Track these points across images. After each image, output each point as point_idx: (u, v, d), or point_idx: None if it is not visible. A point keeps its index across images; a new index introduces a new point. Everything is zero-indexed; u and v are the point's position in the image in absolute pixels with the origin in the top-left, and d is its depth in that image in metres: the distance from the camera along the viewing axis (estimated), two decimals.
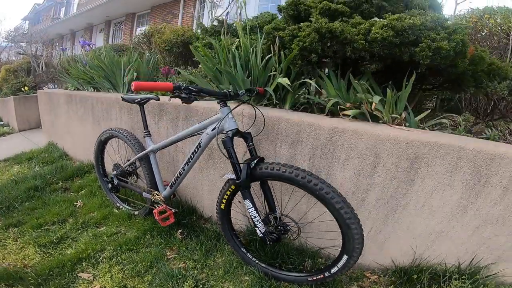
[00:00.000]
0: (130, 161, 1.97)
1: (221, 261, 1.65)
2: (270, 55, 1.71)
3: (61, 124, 3.82)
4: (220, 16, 2.96)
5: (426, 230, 1.37)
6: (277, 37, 1.61)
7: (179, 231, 1.88)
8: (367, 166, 1.34)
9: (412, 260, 1.44)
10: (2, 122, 6.48)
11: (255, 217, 1.36)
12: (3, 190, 2.62)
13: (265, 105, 1.78)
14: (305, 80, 1.62)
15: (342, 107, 1.50)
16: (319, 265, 1.55)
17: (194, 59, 2.49)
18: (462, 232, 1.31)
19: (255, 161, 1.33)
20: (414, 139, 1.24)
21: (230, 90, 1.38)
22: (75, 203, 2.38)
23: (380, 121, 1.43)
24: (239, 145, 1.62)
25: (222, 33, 1.98)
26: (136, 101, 1.80)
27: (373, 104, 1.35)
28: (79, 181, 2.89)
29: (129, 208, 2.18)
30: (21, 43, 8.22)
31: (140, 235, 1.88)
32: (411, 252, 1.43)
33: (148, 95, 1.81)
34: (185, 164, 1.59)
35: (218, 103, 1.38)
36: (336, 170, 1.42)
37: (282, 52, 1.63)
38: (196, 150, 1.51)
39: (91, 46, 3.17)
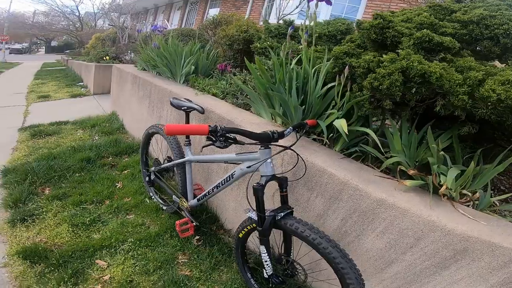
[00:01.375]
0: (167, 165, 1.97)
1: (225, 277, 1.61)
2: (334, 83, 1.49)
3: (124, 99, 4.12)
4: (287, 15, 2.74)
5: None
6: (347, 66, 1.35)
7: (197, 237, 1.86)
8: (403, 244, 1.15)
9: None
10: (82, 83, 7.33)
11: (266, 261, 1.32)
12: (61, 157, 2.91)
13: (313, 140, 1.58)
14: (366, 130, 1.36)
15: (403, 168, 1.23)
16: None
17: (254, 58, 2.35)
18: None
19: (282, 214, 1.20)
20: (473, 236, 0.98)
21: (274, 132, 1.22)
22: (116, 184, 2.52)
23: (445, 196, 1.14)
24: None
25: (287, 40, 1.74)
26: (182, 108, 1.76)
27: (444, 186, 1.07)
28: (126, 159, 3.07)
29: (160, 201, 2.23)
30: (113, 14, 9.05)
31: (161, 232, 1.91)
32: None
33: (194, 105, 1.76)
34: (215, 187, 1.53)
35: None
36: (366, 237, 1.25)
37: (349, 86, 1.38)
38: (228, 179, 1.44)
39: (160, 30, 3.26)
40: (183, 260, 1.69)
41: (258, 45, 2.21)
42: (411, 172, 1.20)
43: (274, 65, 1.65)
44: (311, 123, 1.45)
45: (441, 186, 1.13)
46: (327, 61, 1.49)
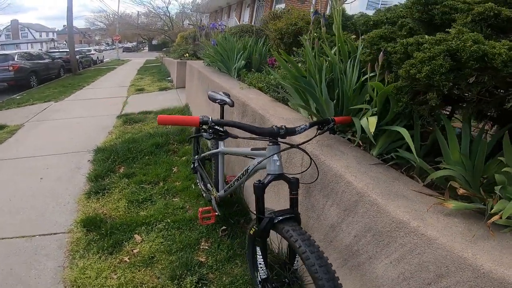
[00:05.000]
0: (205, 154, 2.08)
1: (236, 271, 1.62)
2: (372, 74, 1.28)
3: (193, 92, 4.52)
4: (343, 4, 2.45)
5: None
6: (382, 51, 1.12)
7: (223, 227, 1.92)
8: (419, 279, 0.91)
9: None
10: (169, 78, 8.35)
11: (260, 263, 1.25)
12: (139, 141, 3.41)
13: (348, 139, 1.42)
14: (397, 129, 1.12)
15: (455, 185, 0.97)
16: None
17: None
18: None
19: (280, 218, 1.11)
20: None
21: (281, 127, 1.13)
22: (173, 168, 2.82)
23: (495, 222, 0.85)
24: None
25: (322, 27, 1.58)
26: (216, 101, 1.83)
27: (497, 216, 0.80)
28: (187, 146, 3.39)
29: (202, 188, 2.38)
30: (193, 14, 9.92)
31: (195, 217, 2.03)
32: None
33: (225, 99, 1.79)
34: (236, 180, 1.54)
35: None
36: (379, 262, 1.03)
37: (386, 77, 1.15)
38: (244, 174, 1.42)
39: (219, 28, 3.41)
40: (204, 247, 1.77)
41: (306, 37, 2.08)
42: (461, 191, 0.93)
43: (306, 55, 1.53)
44: (341, 120, 1.28)
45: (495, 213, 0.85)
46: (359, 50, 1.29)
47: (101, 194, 2.36)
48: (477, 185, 1.01)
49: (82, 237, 1.86)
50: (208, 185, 2.04)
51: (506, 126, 1.04)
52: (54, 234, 1.94)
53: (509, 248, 0.81)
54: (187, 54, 6.96)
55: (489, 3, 0.94)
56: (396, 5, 1.95)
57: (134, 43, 45.12)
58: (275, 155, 1.14)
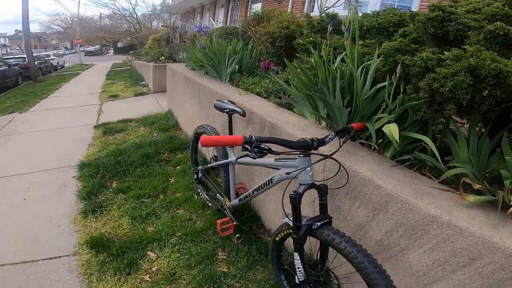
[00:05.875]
0: (213, 164, 2.06)
1: (260, 277, 1.64)
2: (384, 83, 1.35)
3: (177, 97, 4.41)
4: (331, 7, 2.55)
5: None
6: (399, 64, 1.19)
7: (237, 235, 1.93)
8: (454, 263, 1.03)
9: None
10: (144, 82, 8.05)
11: (298, 268, 1.29)
12: (127, 153, 3.26)
13: (361, 143, 1.48)
14: (420, 137, 1.20)
15: (468, 181, 1.07)
16: None
17: (297, 55, 2.29)
18: None
19: (318, 224, 1.15)
20: None
21: (314, 139, 1.16)
22: (170, 179, 2.74)
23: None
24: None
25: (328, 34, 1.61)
26: (225, 111, 1.81)
27: None
28: (179, 155, 3.31)
29: (207, 198, 2.35)
30: (165, 14, 9.63)
31: (205, 228, 2.02)
32: None
33: (236, 108, 1.78)
34: (256, 189, 1.55)
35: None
36: (412, 253, 1.13)
37: (402, 87, 1.23)
38: (268, 183, 1.44)
39: (204, 30, 3.37)
40: (222, 257, 1.77)
41: (301, 41, 2.13)
42: (477, 186, 1.04)
43: (316, 64, 1.57)
44: (357, 126, 1.35)
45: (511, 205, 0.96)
46: (377, 58, 1.36)
47: (98, 212, 2.24)
48: (482, 179, 1.13)
49: (92, 259, 1.77)
50: (218, 195, 2.02)
51: (504, 128, 1.16)
52: (59, 257, 1.81)
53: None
54: (162, 57, 6.76)
55: (499, 22, 1.04)
56: (384, 10, 2.07)
57: (97, 46, 42.73)
58: (308, 166, 1.16)
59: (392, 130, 1.18)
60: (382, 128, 1.25)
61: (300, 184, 1.19)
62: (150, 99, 6.55)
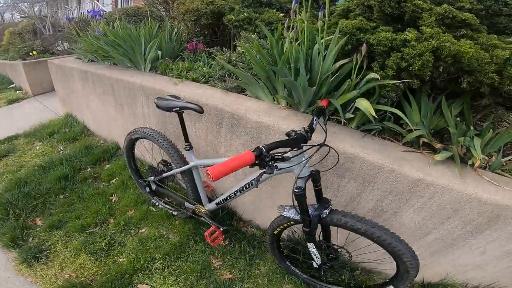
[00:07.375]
0: (170, 173, 1.80)
1: (264, 269, 1.66)
2: (345, 60, 1.40)
3: (78, 97, 3.60)
4: None
5: (467, 263, 1.39)
6: (363, 43, 1.25)
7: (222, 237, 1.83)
8: (441, 216, 1.26)
9: (441, 279, 1.53)
10: (14, 85, 6.26)
11: (315, 255, 1.36)
12: (33, 180, 2.56)
13: (328, 120, 1.53)
14: (393, 110, 1.32)
15: (425, 140, 1.26)
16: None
17: (242, 34, 2.05)
18: (495, 267, 1.35)
19: (327, 212, 1.20)
20: (505, 204, 1.10)
21: (306, 129, 1.12)
22: (111, 198, 2.33)
23: (469, 162, 1.21)
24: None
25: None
26: (173, 110, 1.53)
27: (477, 161, 1.14)
28: (108, 166, 2.81)
29: (167, 207, 2.11)
30: (23, 4, 7.46)
31: (184, 240, 1.85)
32: (444, 274, 1.50)
33: (188, 105, 1.51)
34: (237, 191, 1.44)
35: None
36: (403, 213, 1.33)
37: (365, 64, 1.31)
38: (252, 183, 1.36)
39: (101, 14, 2.75)
40: (218, 264, 1.68)
41: (233, 18, 1.96)
42: (438, 145, 1.23)
43: (272, 43, 1.48)
44: (323, 104, 1.37)
45: (467, 157, 1.20)
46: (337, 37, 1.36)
47: (44, 258, 1.77)
48: (429, 136, 1.35)
49: None
50: (186, 203, 1.83)
51: (443, 93, 1.38)
52: None
53: (482, 179, 1.17)
54: (34, 52, 5.31)
55: (445, 5, 1.18)
56: None
57: None
58: (304, 160, 1.14)
59: (367, 106, 1.26)
60: (356, 105, 1.32)
61: (300, 178, 1.16)
62: (32, 104, 5.17)
